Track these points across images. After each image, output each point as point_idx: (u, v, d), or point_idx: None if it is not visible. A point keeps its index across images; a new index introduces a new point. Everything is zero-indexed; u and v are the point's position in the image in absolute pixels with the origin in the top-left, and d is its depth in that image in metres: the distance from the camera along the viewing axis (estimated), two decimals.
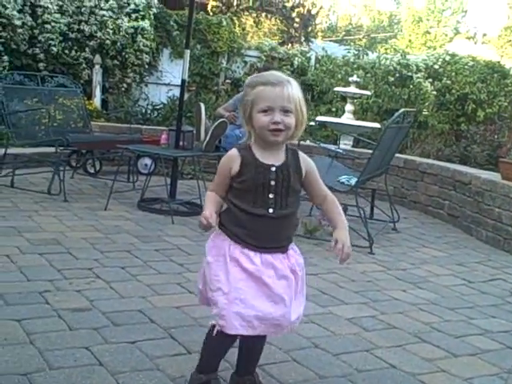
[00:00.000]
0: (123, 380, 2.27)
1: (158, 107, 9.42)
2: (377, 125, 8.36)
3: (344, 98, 9.26)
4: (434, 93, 9.62)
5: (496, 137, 8.43)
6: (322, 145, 6.41)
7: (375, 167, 5.03)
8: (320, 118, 8.60)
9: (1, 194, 5.30)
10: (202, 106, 5.59)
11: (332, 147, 6.60)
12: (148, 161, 6.79)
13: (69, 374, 2.27)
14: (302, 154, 2.12)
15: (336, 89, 8.98)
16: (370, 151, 6.01)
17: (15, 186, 5.59)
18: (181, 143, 5.43)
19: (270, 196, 2.03)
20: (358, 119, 8.71)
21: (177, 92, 9.13)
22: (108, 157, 6.89)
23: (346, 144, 7.92)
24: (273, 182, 2.03)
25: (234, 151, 2.08)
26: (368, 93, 9.06)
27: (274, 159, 2.06)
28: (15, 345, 2.46)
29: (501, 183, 5.23)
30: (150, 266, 3.72)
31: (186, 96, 7.57)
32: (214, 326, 2.05)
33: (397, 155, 6.00)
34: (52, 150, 5.82)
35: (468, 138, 8.75)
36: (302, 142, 6.49)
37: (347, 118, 8.43)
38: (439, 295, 3.75)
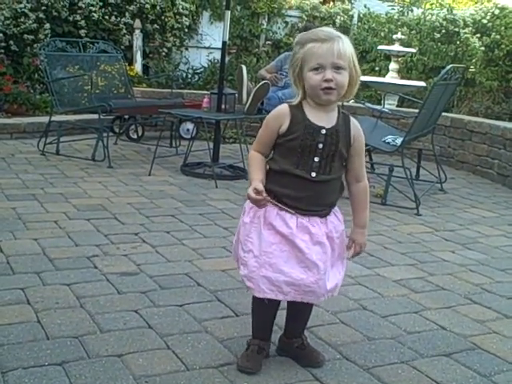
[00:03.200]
0: (172, 342, 2.29)
1: (198, 71, 9.37)
2: (422, 83, 8.15)
3: (388, 57, 9.04)
4: (482, 48, 9.28)
5: None
6: (368, 105, 6.27)
7: (422, 126, 4.91)
8: (363, 78, 8.41)
9: (47, 162, 5.38)
10: (244, 68, 5.53)
11: (377, 107, 6.45)
12: (190, 125, 6.77)
13: (119, 337, 2.30)
14: (353, 120, 2.04)
15: (380, 47, 8.76)
16: (416, 110, 5.87)
17: (60, 153, 5.67)
18: (223, 106, 5.39)
19: (316, 159, 1.96)
20: (402, 78, 8.51)
21: (217, 55, 9.04)
22: (150, 122, 6.90)
23: (390, 104, 7.75)
24: (320, 145, 1.96)
25: (285, 107, 2.00)
26: (413, 50, 8.81)
27: (325, 121, 1.97)
28: (66, 308, 2.51)
29: None
30: (195, 230, 3.74)
31: (227, 59, 7.50)
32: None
33: (443, 114, 5.84)
34: (95, 116, 5.85)
35: None
36: (345, 103, 6.36)
37: (391, 77, 8.24)
38: (489, 256, 3.66)
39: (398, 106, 8.09)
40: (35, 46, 8.05)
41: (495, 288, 3.13)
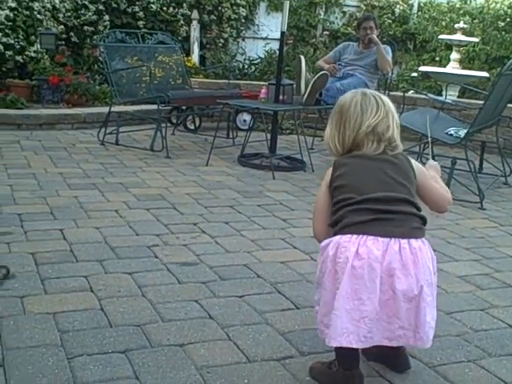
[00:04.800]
0: (233, 333, 2.28)
1: (255, 62, 9.34)
2: (485, 74, 7.90)
3: (448, 47, 8.80)
4: None
5: None
6: (430, 95, 6.11)
7: (486, 118, 4.75)
8: (423, 68, 8.23)
9: (107, 151, 5.47)
10: (303, 58, 5.46)
11: (440, 98, 6.29)
12: (247, 116, 6.76)
13: (180, 327, 2.30)
14: None
15: (441, 36, 8.52)
16: (478, 101, 5.70)
17: (119, 143, 5.74)
18: (280, 97, 5.35)
19: None
20: (463, 68, 8.26)
21: (274, 46, 8.99)
22: (207, 113, 6.92)
23: (451, 95, 7.54)
24: None
25: None
26: (475, 40, 8.54)
27: None
28: (128, 297, 2.53)
29: None
30: (253, 221, 3.72)
31: (284, 49, 7.43)
32: None
33: (508, 105, 5.62)
34: (153, 107, 5.91)
35: None
36: (405, 94, 6.22)
37: (452, 68, 8.01)
38: None
39: (458, 96, 7.88)
40: (95, 37, 8.20)
41: None
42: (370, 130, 1.95)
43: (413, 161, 2.02)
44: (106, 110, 6.03)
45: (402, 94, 6.05)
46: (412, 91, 7.49)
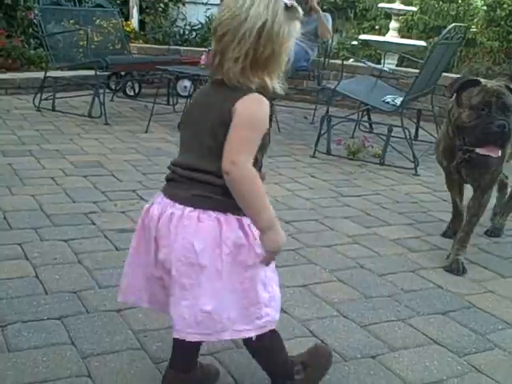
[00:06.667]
0: None
1: (196, 28, 9.22)
2: (422, 43, 8.05)
3: (388, 16, 8.91)
4: (484, 8, 9.15)
5: None
6: (369, 63, 6.19)
7: (422, 86, 4.85)
8: (363, 37, 8.32)
9: (43, 118, 5.33)
10: None
11: (378, 66, 6.38)
12: (187, 83, 6.68)
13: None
14: None
15: (380, 5, 8.62)
16: (415, 70, 5.81)
17: (56, 109, 5.60)
18: None
19: None
20: (402, 37, 8.39)
21: (215, 11, 8.88)
22: (147, 79, 6.82)
23: (389, 63, 7.65)
24: None
25: None
26: (414, 9, 8.68)
27: None
28: (64, 264, 2.51)
29: None
30: None
31: None
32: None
33: (443, 74, 5.75)
34: (91, 73, 5.76)
35: None
36: (345, 62, 6.29)
37: (391, 36, 8.12)
38: (487, 217, 3.65)
39: (397, 65, 8.01)
40: None
41: (492, 248, 3.15)
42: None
43: (242, 103, 1.51)
44: (41, 75, 5.85)
45: (341, 61, 6.10)
46: (352, 59, 7.57)
